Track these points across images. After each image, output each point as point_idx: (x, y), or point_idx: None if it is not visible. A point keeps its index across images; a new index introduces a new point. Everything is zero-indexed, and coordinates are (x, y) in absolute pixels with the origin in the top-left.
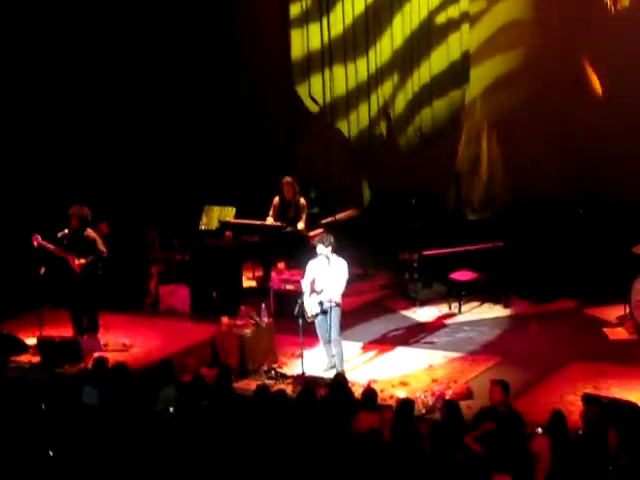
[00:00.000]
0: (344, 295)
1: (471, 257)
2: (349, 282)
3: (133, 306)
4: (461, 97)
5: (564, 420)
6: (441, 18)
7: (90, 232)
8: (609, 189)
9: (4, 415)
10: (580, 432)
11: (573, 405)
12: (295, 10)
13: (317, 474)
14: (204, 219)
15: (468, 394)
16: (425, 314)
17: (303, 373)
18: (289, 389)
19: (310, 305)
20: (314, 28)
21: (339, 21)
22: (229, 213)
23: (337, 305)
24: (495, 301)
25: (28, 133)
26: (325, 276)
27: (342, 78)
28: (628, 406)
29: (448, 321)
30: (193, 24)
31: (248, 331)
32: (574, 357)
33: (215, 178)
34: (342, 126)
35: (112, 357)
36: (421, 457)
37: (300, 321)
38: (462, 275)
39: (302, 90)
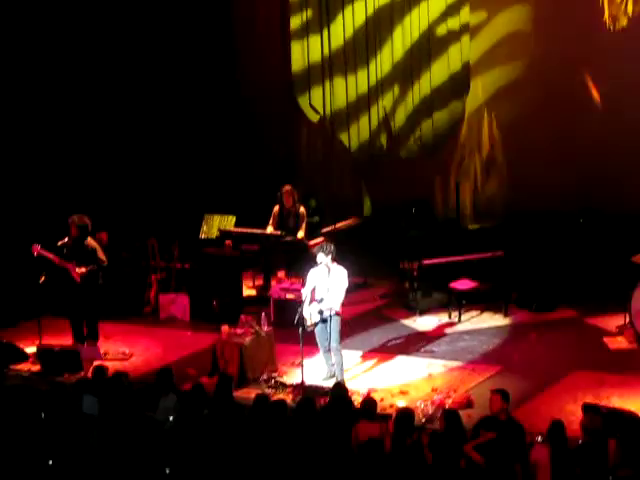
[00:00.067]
0: (344, 304)
1: (471, 266)
2: (349, 291)
3: (133, 315)
4: (461, 108)
5: (564, 429)
6: (441, 29)
7: (90, 241)
8: (609, 199)
9: (4, 424)
10: (580, 441)
11: (573, 414)
12: (295, 22)
13: None
14: (204, 228)
15: (468, 403)
16: (425, 323)
17: (303, 382)
18: (289, 398)
19: (310, 314)
20: (315, 40)
21: (340, 33)
22: (229, 222)
23: (337, 314)
24: (495, 310)
25: (28, 142)
26: (325, 285)
27: (343, 89)
28: (628, 416)
29: (448, 330)
30: (194, 35)
31: (248, 340)
32: (574, 366)
33: (215, 187)
34: (343, 137)
35: (112, 366)
36: (422, 467)
37: (300, 330)
38: (462, 284)
39: (303, 101)
